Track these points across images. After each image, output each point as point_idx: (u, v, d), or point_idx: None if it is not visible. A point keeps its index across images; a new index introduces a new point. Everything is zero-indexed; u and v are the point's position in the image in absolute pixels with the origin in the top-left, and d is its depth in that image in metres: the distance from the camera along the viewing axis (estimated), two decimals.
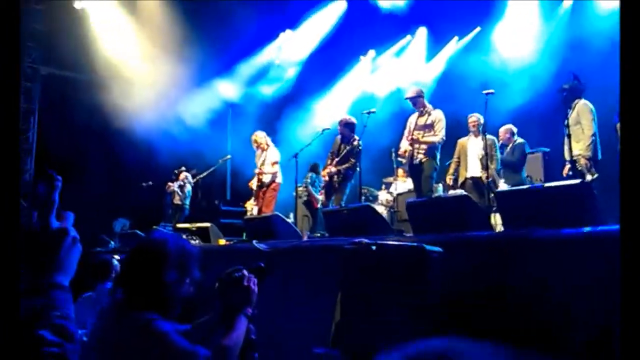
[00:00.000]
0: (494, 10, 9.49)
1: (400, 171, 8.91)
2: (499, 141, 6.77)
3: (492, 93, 5.88)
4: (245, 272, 1.88)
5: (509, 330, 2.67)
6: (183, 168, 9.41)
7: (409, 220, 4.28)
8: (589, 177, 5.08)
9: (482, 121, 6.47)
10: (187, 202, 9.35)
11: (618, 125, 5.13)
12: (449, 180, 6.93)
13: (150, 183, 9.54)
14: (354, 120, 6.78)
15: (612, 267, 2.46)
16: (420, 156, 5.96)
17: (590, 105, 5.55)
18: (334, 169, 6.57)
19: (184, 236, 5.83)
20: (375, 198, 9.06)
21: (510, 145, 6.80)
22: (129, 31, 9.91)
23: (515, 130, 6.95)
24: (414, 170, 6.12)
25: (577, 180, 3.59)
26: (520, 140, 6.85)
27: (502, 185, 6.25)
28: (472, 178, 6.53)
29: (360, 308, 2.93)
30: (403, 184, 8.78)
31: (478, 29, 9.98)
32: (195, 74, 9.93)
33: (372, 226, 4.18)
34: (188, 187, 9.33)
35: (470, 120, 6.70)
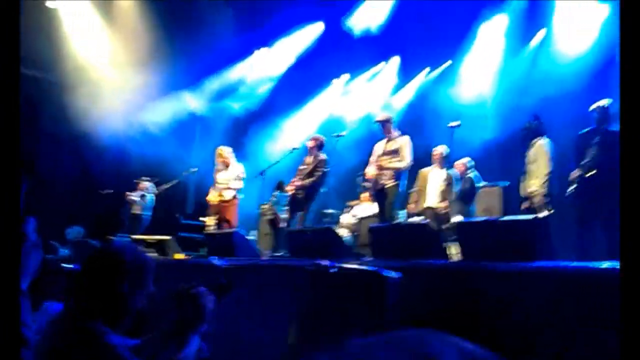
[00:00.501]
0: (464, 44, 9.89)
1: (364, 195, 9.01)
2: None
3: (458, 125, 6.07)
4: (202, 288, 1.85)
5: None
6: (144, 178, 9.20)
7: (370, 244, 4.32)
8: (543, 213, 5.26)
9: (445, 154, 6.65)
10: (149, 212, 9.12)
11: (574, 173, 5.33)
12: (411, 208, 7.08)
13: (111, 191, 9.28)
14: (323, 138, 6.90)
15: (561, 300, 2.56)
16: (386, 181, 6.04)
17: (547, 145, 5.78)
18: (298, 183, 6.60)
19: (140, 248, 5.68)
20: (339, 221, 9.10)
21: (464, 177, 7.06)
22: (101, 34, 9.75)
23: (470, 164, 7.23)
24: (379, 196, 6.19)
25: (532, 216, 3.72)
26: (472, 173, 7.11)
27: (456, 217, 6.44)
28: (430, 208, 6.71)
29: (316, 330, 2.91)
30: (367, 208, 8.86)
31: (449, 62, 10.31)
32: (165, 84, 9.81)
33: (333, 248, 4.20)
34: (149, 197, 9.11)
35: (435, 152, 6.88)
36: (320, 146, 6.78)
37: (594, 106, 5.36)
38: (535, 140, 5.77)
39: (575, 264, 2.83)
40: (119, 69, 9.54)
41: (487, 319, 2.78)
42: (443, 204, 6.35)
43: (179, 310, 1.82)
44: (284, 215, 8.90)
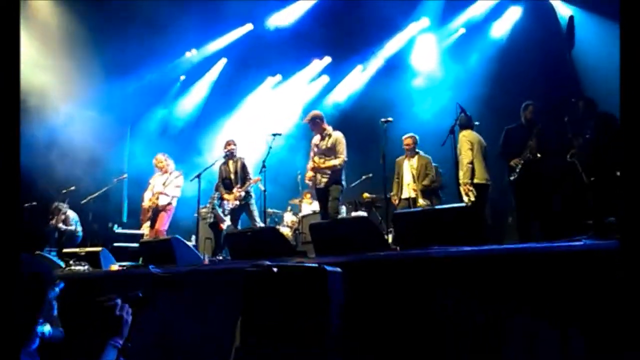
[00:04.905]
0: (394, 42, 10.17)
1: (306, 193, 9.04)
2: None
3: (390, 121, 6.20)
4: (118, 301, 1.78)
5: (408, 346, 2.80)
6: (56, 204, 8.68)
7: (312, 241, 4.33)
8: (466, 199, 5.52)
9: (416, 140, 6.92)
10: (79, 228, 8.75)
11: (516, 160, 5.71)
12: (394, 200, 7.05)
13: (34, 204, 8.67)
14: (234, 143, 7.21)
15: (491, 282, 2.68)
16: (325, 180, 6.05)
17: (468, 136, 6.05)
18: (241, 191, 6.88)
19: (71, 262, 5.37)
20: (281, 220, 9.07)
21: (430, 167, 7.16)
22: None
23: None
24: (320, 194, 6.19)
25: (462, 204, 3.89)
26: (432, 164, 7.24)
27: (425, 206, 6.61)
28: (407, 199, 6.86)
29: (261, 332, 2.87)
30: (309, 205, 8.89)
31: (381, 59, 10.52)
32: (95, 88, 9.34)
33: (275, 248, 4.16)
34: (73, 217, 8.70)
35: (405, 141, 6.97)
36: (232, 152, 7.11)
37: (527, 103, 5.94)
38: (462, 132, 6.03)
39: (496, 246, 2.99)
40: (42, 71, 8.87)
41: (425, 311, 2.87)
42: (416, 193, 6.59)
43: (94, 324, 1.73)
44: (226, 218, 8.77)
